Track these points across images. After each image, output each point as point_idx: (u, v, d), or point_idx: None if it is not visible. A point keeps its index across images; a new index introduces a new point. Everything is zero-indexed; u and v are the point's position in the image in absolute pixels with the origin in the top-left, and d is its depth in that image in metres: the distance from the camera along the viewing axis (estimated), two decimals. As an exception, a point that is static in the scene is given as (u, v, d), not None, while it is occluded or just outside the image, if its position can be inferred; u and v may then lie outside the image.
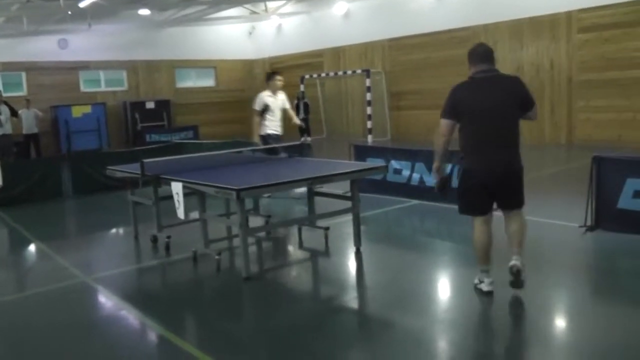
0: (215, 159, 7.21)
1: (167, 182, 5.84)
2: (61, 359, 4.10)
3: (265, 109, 8.87)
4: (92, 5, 15.25)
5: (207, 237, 5.99)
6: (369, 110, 18.41)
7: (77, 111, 19.23)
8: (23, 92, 18.96)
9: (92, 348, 4.18)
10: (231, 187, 5.05)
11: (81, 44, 19.73)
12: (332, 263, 6.14)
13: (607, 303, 4.63)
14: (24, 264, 7.04)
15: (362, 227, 6.28)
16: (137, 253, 6.84)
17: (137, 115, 20.38)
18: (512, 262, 4.65)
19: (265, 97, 8.93)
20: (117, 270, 6.11)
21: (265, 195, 8.14)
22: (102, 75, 21.09)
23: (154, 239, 6.77)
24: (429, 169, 8.29)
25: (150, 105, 20.79)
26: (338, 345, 4.05)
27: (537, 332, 4.00)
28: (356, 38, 19.46)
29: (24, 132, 16.37)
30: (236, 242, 6.32)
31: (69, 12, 16.09)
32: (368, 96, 18.37)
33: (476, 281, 4.73)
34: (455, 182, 5.13)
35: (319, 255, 6.37)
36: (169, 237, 6.50)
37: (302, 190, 7.04)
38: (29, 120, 16.37)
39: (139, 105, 20.61)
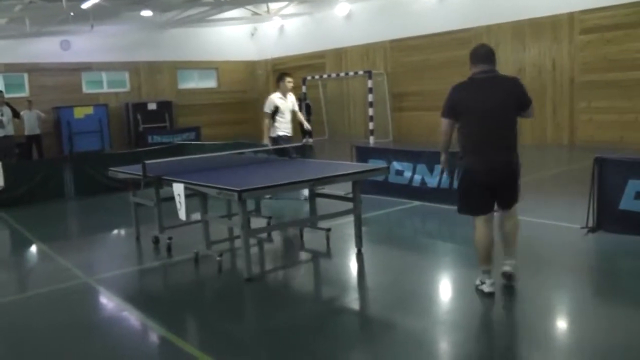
0: (217, 160, 7.21)
1: (169, 184, 5.84)
2: (63, 360, 4.11)
3: (276, 111, 8.86)
4: (94, 6, 15.27)
5: (209, 239, 5.99)
6: (370, 111, 18.42)
7: (79, 112, 19.25)
8: (25, 94, 18.99)
9: (94, 349, 4.19)
10: (233, 188, 5.05)
11: (83, 45, 19.77)
12: (334, 264, 6.13)
13: (608, 304, 4.63)
14: (25, 265, 7.05)
15: (364, 229, 6.28)
16: (138, 254, 6.85)
17: (139, 117, 20.40)
18: (505, 269, 4.73)
19: (276, 99, 8.90)
20: (118, 272, 6.12)
21: (267, 196, 8.15)
22: (104, 76, 21.11)
23: (156, 240, 6.77)
24: (431, 171, 8.29)
25: (152, 106, 20.81)
26: (339, 347, 4.05)
27: (539, 333, 4.00)
28: (358, 39, 19.46)
29: (26, 133, 16.39)
30: (238, 243, 6.33)
31: (71, 14, 16.10)
32: (370, 97, 18.38)
33: (477, 282, 4.73)
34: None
35: (320, 257, 6.37)
36: (170, 238, 6.51)
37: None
38: (31, 122, 16.39)
39: (141, 107, 20.63)
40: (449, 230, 7.18)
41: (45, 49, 19.20)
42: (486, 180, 4.56)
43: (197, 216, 6.23)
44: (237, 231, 6.24)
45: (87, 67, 20.31)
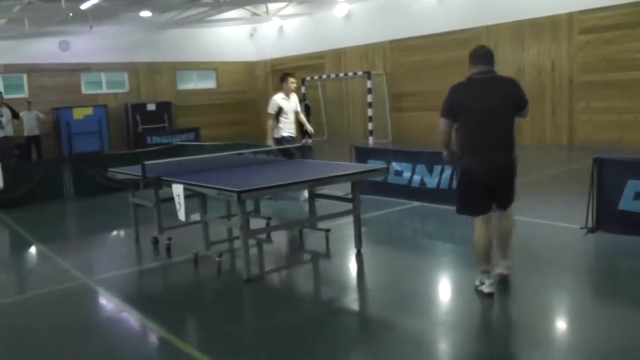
0: (217, 161, 7.21)
1: (168, 184, 5.84)
2: (62, 361, 4.11)
3: (279, 111, 8.84)
4: (93, 7, 15.26)
5: (208, 239, 5.99)
6: (370, 112, 18.42)
7: (79, 113, 19.25)
8: (24, 94, 18.98)
9: (93, 349, 4.19)
10: (232, 189, 5.05)
11: (82, 46, 19.77)
12: (333, 265, 6.13)
13: (607, 304, 4.63)
14: (25, 266, 7.04)
15: (363, 229, 6.28)
16: (138, 255, 6.85)
17: (138, 117, 20.40)
18: (500, 270, 4.75)
19: (279, 99, 8.86)
20: (118, 272, 6.11)
21: (266, 197, 8.14)
22: (103, 77, 21.11)
23: (155, 241, 6.77)
24: (430, 171, 8.29)
25: (151, 107, 20.81)
26: (339, 347, 4.05)
27: (538, 334, 4.00)
28: (357, 40, 19.46)
29: (25, 134, 16.37)
30: (237, 244, 6.33)
31: (70, 14, 16.10)
32: (369, 98, 18.38)
33: (477, 283, 4.73)
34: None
35: (319, 257, 6.37)
36: (169, 239, 6.51)
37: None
38: (30, 122, 16.37)
39: (140, 107, 20.63)
40: (448, 230, 7.18)
41: (45, 50, 19.21)
42: (485, 181, 4.58)
43: (196, 217, 6.23)
44: (236, 232, 6.24)
45: (86, 67, 20.31)
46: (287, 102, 8.89)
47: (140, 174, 6.20)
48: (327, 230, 6.52)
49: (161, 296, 5.51)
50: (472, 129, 4.57)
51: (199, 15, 19.29)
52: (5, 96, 14.35)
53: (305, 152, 8.95)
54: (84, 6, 15.13)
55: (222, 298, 5.23)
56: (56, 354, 4.20)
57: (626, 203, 5.94)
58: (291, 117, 8.96)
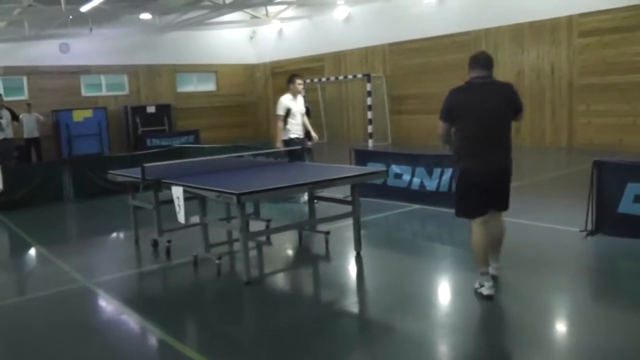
0: (216, 163, 7.22)
1: (168, 187, 5.84)
2: (62, 363, 4.11)
3: (288, 112, 8.82)
4: (93, 9, 15.28)
5: (208, 242, 5.99)
6: (369, 114, 18.43)
7: (78, 115, 19.27)
8: (24, 97, 19.00)
9: (93, 351, 4.18)
10: (232, 191, 5.05)
11: (82, 49, 19.78)
12: (333, 267, 6.13)
13: (608, 306, 4.64)
14: (24, 268, 7.04)
15: (363, 232, 6.28)
16: (137, 257, 6.84)
17: (138, 120, 20.42)
18: (491, 272, 4.79)
19: (287, 100, 8.84)
20: (117, 275, 6.11)
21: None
22: (103, 79, 21.13)
23: (155, 243, 6.77)
24: (430, 174, 8.29)
25: (151, 109, 20.83)
26: (339, 349, 4.05)
27: (538, 335, 4.00)
28: (357, 42, 19.48)
29: (25, 136, 16.40)
30: (237, 246, 6.32)
31: (70, 17, 16.12)
32: (369, 100, 18.39)
33: (476, 285, 4.74)
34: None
35: (319, 260, 6.37)
36: (169, 241, 6.51)
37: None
38: (30, 125, 16.40)
39: (140, 110, 20.65)
40: (448, 233, 7.19)
41: (45, 52, 19.22)
42: (483, 181, 4.64)
43: (196, 219, 6.23)
44: (236, 234, 6.24)
45: (86, 70, 20.33)
46: (295, 103, 8.89)
47: (140, 177, 6.20)
48: (327, 233, 6.52)
49: (161, 298, 5.50)
50: (471, 131, 4.64)
51: (199, 17, 19.31)
52: (5, 98, 14.37)
53: (304, 154, 8.94)
54: (84, 9, 15.14)
55: (222, 300, 5.23)
56: (56, 355, 4.20)
57: (626, 206, 5.94)
58: (299, 118, 8.95)
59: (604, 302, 4.77)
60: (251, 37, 23.88)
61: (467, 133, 4.65)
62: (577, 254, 5.97)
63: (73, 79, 20.13)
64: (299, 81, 8.87)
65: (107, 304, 5.28)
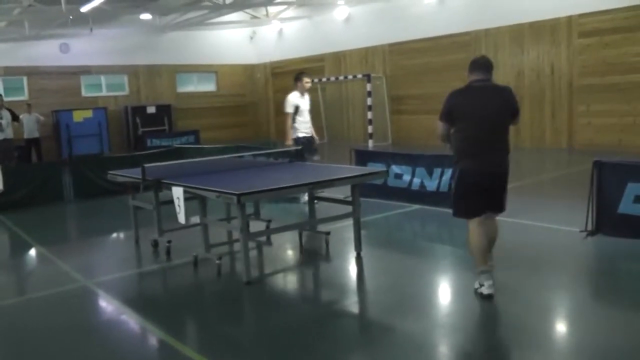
0: (216, 164, 7.21)
1: (168, 187, 5.83)
2: (62, 363, 4.11)
3: (296, 110, 8.80)
4: (93, 9, 15.29)
5: (208, 242, 5.99)
6: (369, 114, 18.43)
7: (79, 116, 19.25)
8: (24, 97, 18.99)
9: (93, 351, 4.19)
10: (232, 191, 5.05)
11: (82, 49, 19.78)
12: (333, 267, 6.13)
13: (607, 306, 4.64)
14: (24, 268, 7.04)
15: (363, 232, 6.28)
16: (137, 257, 6.84)
17: (138, 120, 20.42)
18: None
19: (296, 98, 8.82)
20: (118, 275, 6.12)
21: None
22: (103, 79, 21.12)
23: (155, 244, 6.77)
24: (430, 174, 8.30)
25: (151, 109, 20.83)
26: (339, 349, 4.05)
27: (538, 335, 4.00)
28: (357, 43, 19.48)
29: (25, 136, 16.41)
30: (237, 246, 6.33)
31: (71, 17, 16.13)
32: (369, 101, 18.39)
33: (476, 285, 4.75)
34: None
35: (319, 260, 6.37)
36: (169, 241, 6.51)
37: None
38: (30, 125, 16.40)
39: (140, 110, 20.64)
40: (448, 233, 7.19)
41: (45, 52, 19.21)
42: (482, 181, 4.68)
43: (196, 219, 6.23)
44: (236, 234, 6.24)
45: (86, 70, 20.32)
46: (303, 101, 8.87)
47: (140, 177, 6.20)
48: (327, 233, 6.53)
49: (161, 298, 5.51)
50: (471, 132, 4.71)
51: (199, 18, 19.33)
52: (5, 99, 14.38)
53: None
54: (84, 9, 15.15)
55: (222, 300, 5.23)
56: (56, 355, 4.20)
57: (626, 206, 5.94)
58: (307, 116, 8.93)
59: (604, 302, 4.77)
60: (251, 38, 23.88)
61: (467, 134, 4.72)
62: (577, 254, 5.97)
63: (73, 79, 20.12)
64: (306, 79, 8.85)
65: (107, 304, 5.28)
